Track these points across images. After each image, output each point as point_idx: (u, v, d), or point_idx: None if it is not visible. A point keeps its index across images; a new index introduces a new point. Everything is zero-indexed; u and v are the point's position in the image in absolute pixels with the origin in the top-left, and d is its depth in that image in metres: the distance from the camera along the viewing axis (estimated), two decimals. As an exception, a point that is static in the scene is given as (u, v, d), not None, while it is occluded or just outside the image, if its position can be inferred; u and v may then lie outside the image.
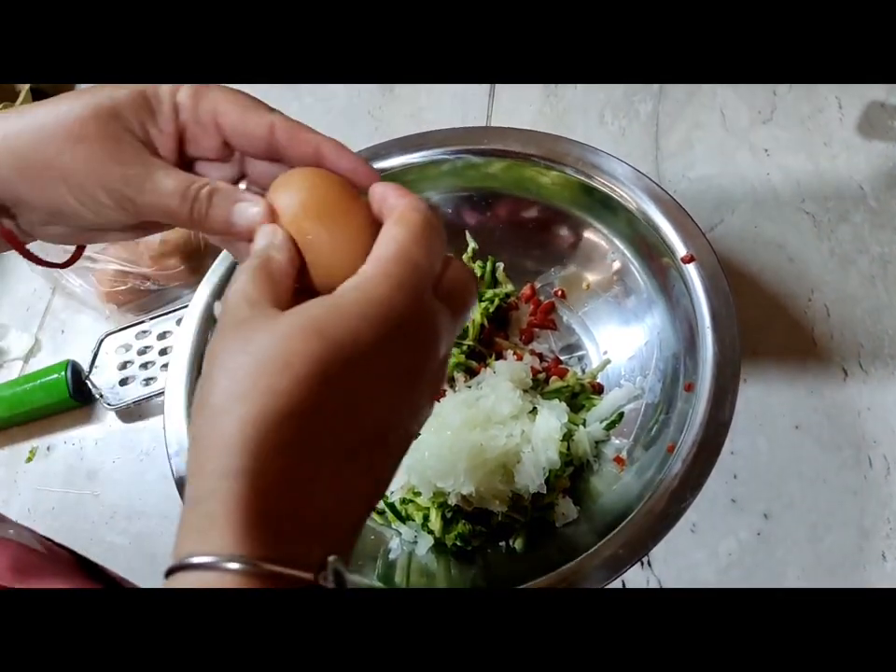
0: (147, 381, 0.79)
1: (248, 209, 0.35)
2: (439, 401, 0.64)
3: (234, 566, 0.25)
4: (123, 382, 0.79)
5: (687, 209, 0.63)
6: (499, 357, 0.70)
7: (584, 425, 0.65)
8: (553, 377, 0.68)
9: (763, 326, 0.72)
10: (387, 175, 0.68)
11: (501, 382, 0.64)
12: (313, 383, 0.28)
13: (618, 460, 0.63)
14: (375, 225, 0.33)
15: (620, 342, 0.69)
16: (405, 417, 0.31)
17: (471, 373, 0.68)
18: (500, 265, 0.74)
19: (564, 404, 0.65)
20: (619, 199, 0.65)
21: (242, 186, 0.38)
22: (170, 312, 0.82)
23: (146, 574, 0.56)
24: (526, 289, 0.74)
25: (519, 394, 0.63)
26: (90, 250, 0.78)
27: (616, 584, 0.55)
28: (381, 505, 0.65)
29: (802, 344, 0.71)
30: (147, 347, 0.80)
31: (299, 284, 0.33)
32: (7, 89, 0.95)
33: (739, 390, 0.55)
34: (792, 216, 0.77)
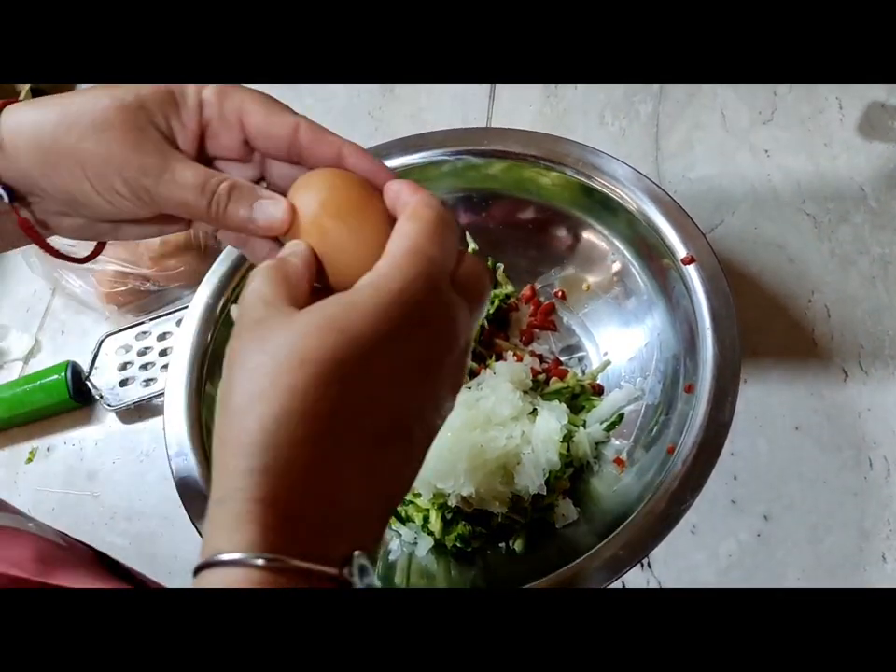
0: (147, 382, 0.79)
1: (269, 207, 0.35)
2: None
3: (261, 561, 0.26)
4: (123, 383, 0.79)
5: (687, 210, 0.63)
6: (499, 358, 0.69)
7: (584, 426, 0.65)
8: (554, 378, 0.68)
9: (763, 327, 0.72)
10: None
11: (501, 383, 0.64)
12: (330, 379, 0.28)
13: (618, 461, 0.63)
14: (392, 223, 0.34)
15: (620, 343, 0.69)
16: (427, 409, 0.32)
17: (471, 374, 0.68)
18: (500, 266, 0.74)
19: (564, 405, 0.65)
20: (619, 200, 0.65)
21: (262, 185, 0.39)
22: (170, 313, 0.82)
23: (146, 574, 0.56)
24: (526, 290, 0.74)
25: (519, 395, 0.63)
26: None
27: (616, 586, 0.55)
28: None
29: (802, 345, 0.71)
30: (147, 348, 0.80)
31: (318, 284, 0.34)
32: (7, 89, 0.95)
33: (739, 391, 0.55)
34: (793, 216, 0.77)
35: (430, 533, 0.62)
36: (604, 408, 0.66)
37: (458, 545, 0.62)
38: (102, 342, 0.81)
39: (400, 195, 0.34)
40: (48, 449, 0.80)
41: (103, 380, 0.79)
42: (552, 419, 0.62)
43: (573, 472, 0.64)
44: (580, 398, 0.68)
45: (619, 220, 0.67)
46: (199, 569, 0.27)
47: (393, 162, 0.70)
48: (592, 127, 0.87)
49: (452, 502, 0.61)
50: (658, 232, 0.63)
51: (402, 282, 0.30)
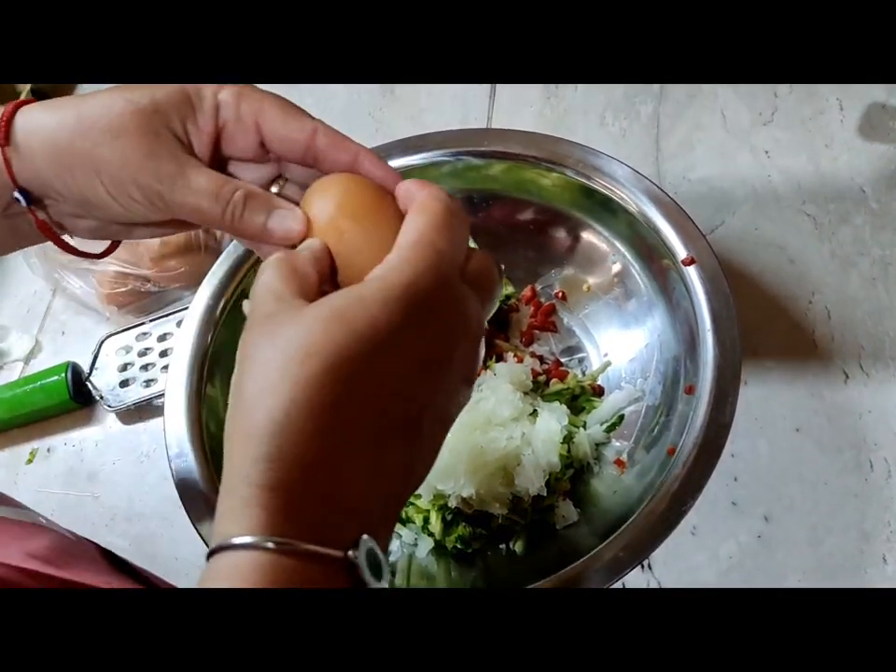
0: (148, 382, 0.79)
1: (286, 218, 0.36)
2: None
3: (271, 544, 0.27)
4: (124, 383, 0.79)
5: (687, 211, 0.63)
6: (500, 359, 0.69)
7: (585, 427, 0.65)
8: (554, 379, 0.68)
9: (763, 328, 0.72)
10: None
11: (501, 384, 0.64)
12: (337, 371, 0.28)
13: (618, 462, 0.63)
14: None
15: (620, 344, 0.69)
16: (438, 400, 0.32)
17: (472, 375, 0.68)
18: (501, 267, 0.74)
19: (564, 406, 0.65)
20: (619, 201, 0.65)
21: (274, 189, 0.39)
22: (170, 313, 0.82)
23: (146, 575, 0.56)
24: (527, 291, 0.74)
25: (519, 396, 0.63)
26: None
27: (616, 587, 0.55)
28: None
29: (802, 346, 0.71)
30: (147, 349, 0.80)
31: (332, 287, 0.34)
32: (7, 89, 0.95)
33: (740, 392, 0.55)
34: (793, 217, 0.77)
35: (430, 534, 0.62)
36: (604, 409, 0.66)
37: (458, 546, 0.62)
38: (102, 342, 0.81)
39: (410, 191, 0.35)
40: (48, 450, 0.80)
41: (103, 381, 0.79)
42: (552, 420, 0.62)
43: (573, 473, 0.64)
44: (580, 399, 0.68)
45: (619, 221, 0.67)
46: (211, 554, 0.28)
47: (393, 163, 0.70)
48: (592, 128, 0.87)
49: (452, 503, 0.61)
50: (658, 233, 0.63)
51: (411, 274, 0.30)
